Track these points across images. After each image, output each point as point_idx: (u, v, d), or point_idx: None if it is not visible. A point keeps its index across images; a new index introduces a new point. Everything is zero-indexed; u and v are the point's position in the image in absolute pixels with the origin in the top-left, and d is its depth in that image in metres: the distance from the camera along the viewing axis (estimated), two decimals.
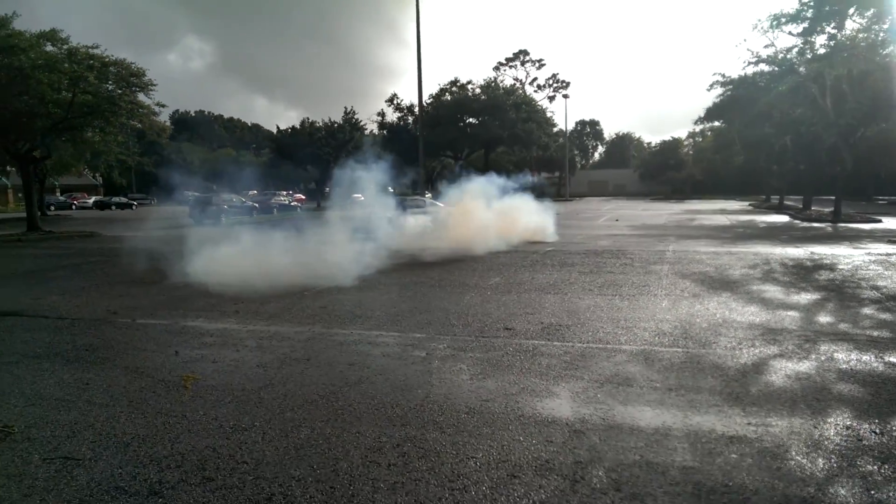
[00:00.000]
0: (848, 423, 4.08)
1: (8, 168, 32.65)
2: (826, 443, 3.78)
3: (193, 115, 63.97)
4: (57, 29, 21.66)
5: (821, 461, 3.54)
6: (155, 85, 23.22)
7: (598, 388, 4.89)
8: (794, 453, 3.64)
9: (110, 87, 22.64)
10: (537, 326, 7.06)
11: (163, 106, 24.31)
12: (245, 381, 5.34)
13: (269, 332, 7.09)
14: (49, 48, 21.70)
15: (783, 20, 23.60)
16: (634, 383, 5.00)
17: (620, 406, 4.50)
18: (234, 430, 4.25)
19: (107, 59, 22.04)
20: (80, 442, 4.11)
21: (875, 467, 3.46)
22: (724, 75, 34.11)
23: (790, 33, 24.48)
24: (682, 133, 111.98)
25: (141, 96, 23.68)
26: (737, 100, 34.04)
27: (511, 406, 4.55)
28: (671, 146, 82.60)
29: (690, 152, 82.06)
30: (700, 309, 7.81)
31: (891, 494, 3.17)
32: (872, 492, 3.19)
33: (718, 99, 37.21)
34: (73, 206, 57.35)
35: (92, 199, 60.40)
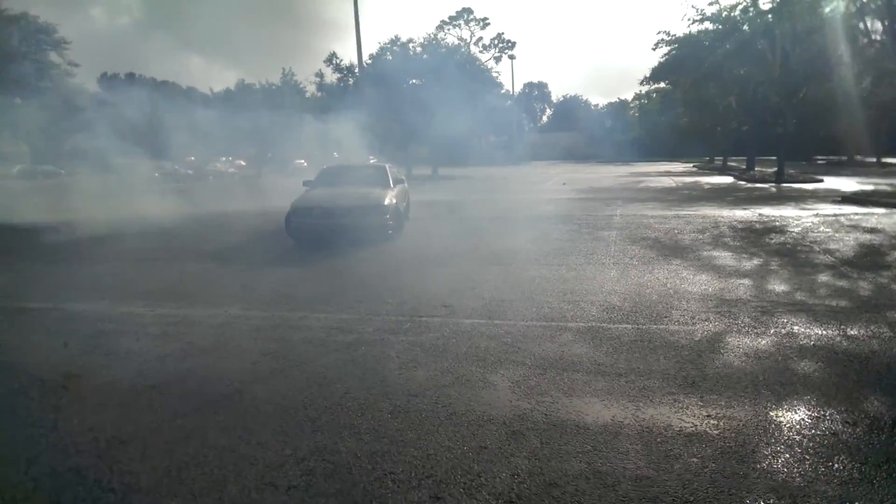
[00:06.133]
0: (818, 413, 3.63)
1: None
2: (797, 439, 3.32)
3: (123, 77, 60.13)
4: None
5: (795, 465, 3.06)
6: (68, 42, 21.22)
7: (541, 376, 4.34)
8: (761, 456, 3.16)
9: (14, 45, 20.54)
10: (478, 302, 6.47)
11: (76, 65, 22.24)
12: (136, 378, 4.57)
13: (177, 317, 6.28)
14: None
15: None
16: (581, 368, 4.47)
17: (565, 398, 3.96)
18: (111, 445, 3.52)
19: (8, 13, 19.87)
20: None
21: (855, 470, 3.01)
22: (668, 34, 33.72)
23: None
24: (630, 95, 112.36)
25: (53, 56, 21.63)
26: (682, 60, 33.83)
27: (442, 401, 3.95)
28: (618, 108, 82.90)
29: (636, 114, 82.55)
30: (650, 279, 7.37)
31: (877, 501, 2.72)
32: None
33: (664, 59, 36.94)
34: None
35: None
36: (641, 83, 43.00)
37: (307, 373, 4.55)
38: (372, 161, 27.76)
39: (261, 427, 3.68)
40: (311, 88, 43.06)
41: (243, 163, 46.76)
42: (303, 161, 30.93)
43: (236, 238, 11.80)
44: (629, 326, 5.47)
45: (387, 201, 10.90)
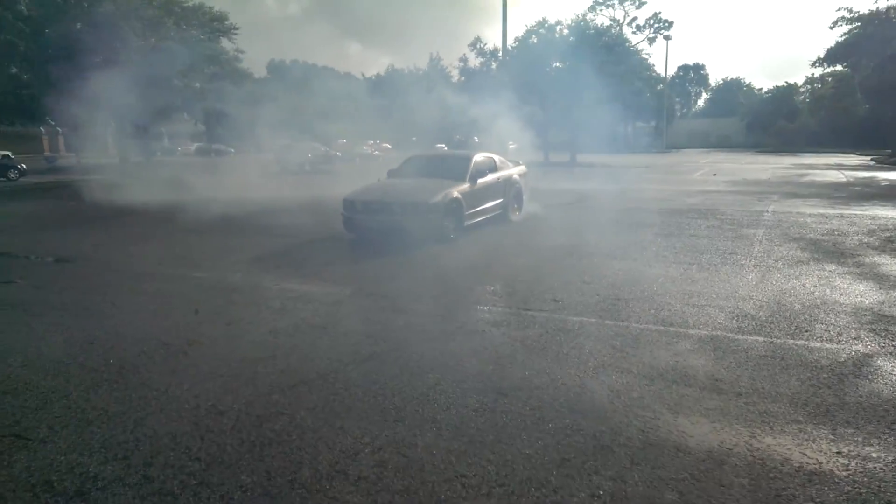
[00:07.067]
0: None
1: None
2: None
3: (289, 63, 64.54)
4: None
5: None
6: (237, 29, 23.13)
7: (647, 387, 3.97)
8: None
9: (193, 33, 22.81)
10: (592, 298, 6.11)
11: (242, 52, 24.23)
12: (248, 349, 4.82)
13: (298, 293, 6.57)
14: None
15: None
16: (694, 382, 4.02)
17: (669, 414, 3.58)
18: (208, 414, 3.71)
19: (186, 4, 22.06)
20: (44, 416, 3.71)
21: None
22: (850, 10, 29.85)
23: None
24: (801, 78, 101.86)
25: (224, 42, 23.72)
26: (864, 40, 29.83)
27: (531, 404, 3.73)
28: (784, 93, 75.42)
29: (807, 100, 74.60)
30: (795, 285, 6.54)
31: None
32: None
33: (843, 38, 32.81)
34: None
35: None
36: (814, 65, 38.73)
37: (402, 359, 4.53)
38: (511, 146, 27.53)
39: (346, 411, 3.70)
40: (455, 73, 43.61)
41: (389, 146, 48.61)
42: (443, 145, 31.41)
43: None
44: (760, 339, 4.86)
45: (437, 199, 9.21)
